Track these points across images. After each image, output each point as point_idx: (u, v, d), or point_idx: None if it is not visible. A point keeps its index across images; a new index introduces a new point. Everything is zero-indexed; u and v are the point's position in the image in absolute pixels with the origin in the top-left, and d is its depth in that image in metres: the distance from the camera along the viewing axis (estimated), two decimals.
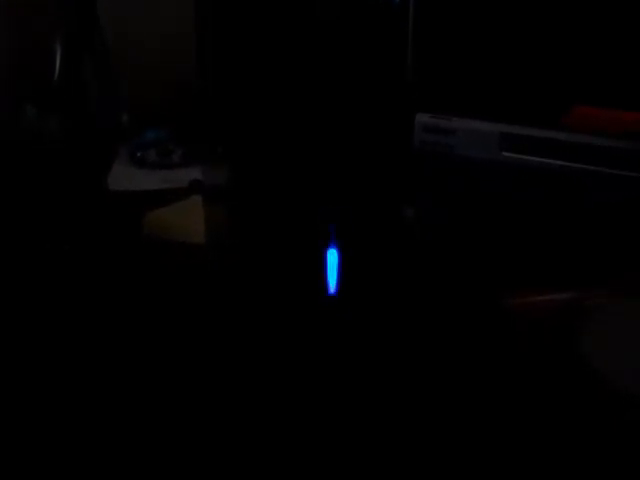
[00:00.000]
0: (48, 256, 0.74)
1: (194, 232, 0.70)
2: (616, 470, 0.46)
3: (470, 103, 0.71)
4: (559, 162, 0.66)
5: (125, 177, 0.93)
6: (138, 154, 0.99)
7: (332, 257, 0.57)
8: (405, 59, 0.64)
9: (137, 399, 0.54)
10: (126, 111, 1.03)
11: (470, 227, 0.69)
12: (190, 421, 0.52)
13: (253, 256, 0.59)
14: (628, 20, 0.68)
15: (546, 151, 0.67)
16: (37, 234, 0.78)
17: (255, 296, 0.59)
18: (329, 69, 0.57)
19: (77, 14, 0.96)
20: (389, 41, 0.61)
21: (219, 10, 0.59)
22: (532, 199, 0.67)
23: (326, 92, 0.58)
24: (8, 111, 0.97)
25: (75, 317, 0.64)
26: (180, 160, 0.98)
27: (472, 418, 0.51)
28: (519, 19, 0.71)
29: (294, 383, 0.54)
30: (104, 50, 0.99)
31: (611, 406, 0.47)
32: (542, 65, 0.71)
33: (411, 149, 0.70)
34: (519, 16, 0.71)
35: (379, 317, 0.58)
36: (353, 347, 0.57)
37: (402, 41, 0.63)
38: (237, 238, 0.59)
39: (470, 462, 0.48)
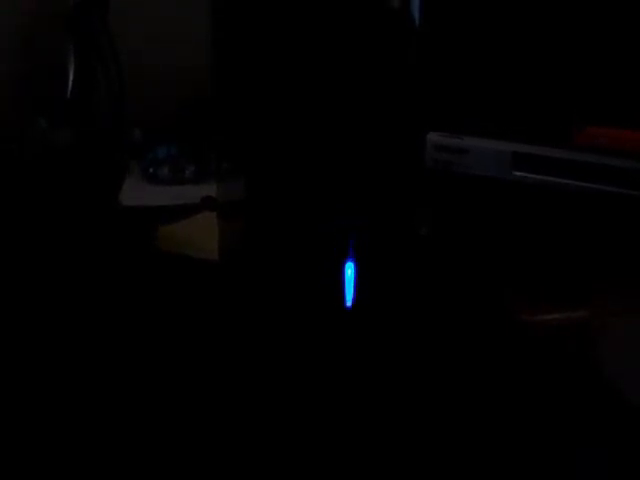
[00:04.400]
0: (60, 269, 0.74)
1: (206, 248, 0.71)
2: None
3: (482, 122, 0.72)
4: (571, 181, 0.66)
5: (138, 193, 0.94)
6: (150, 170, 0.99)
7: (349, 272, 0.58)
8: (418, 78, 0.65)
9: (152, 412, 0.54)
10: (139, 127, 1.04)
11: (483, 244, 0.69)
12: (206, 432, 0.52)
13: (268, 271, 0.59)
14: None
15: (558, 170, 0.67)
16: (49, 247, 0.78)
17: (271, 310, 0.59)
18: (343, 88, 0.58)
19: (90, 30, 0.97)
20: (402, 61, 0.62)
21: (236, 29, 0.60)
22: (544, 217, 0.68)
23: (340, 111, 0.58)
24: (20, 124, 0.98)
25: (87, 330, 0.64)
26: (192, 176, 0.98)
27: (487, 430, 0.51)
28: (532, 39, 0.71)
29: (311, 396, 0.55)
30: (116, 65, 1.00)
31: (628, 419, 0.47)
32: (554, 85, 0.71)
33: (423, 168, 0.70)
34: (532, 36, 0.71)
35: (395, 331, 0.59)
36: (369, 359, 0.57)
37: (414, 61, 0.64)
38: (253, 253, 0.60)
39: (481, 469, 0.48)
